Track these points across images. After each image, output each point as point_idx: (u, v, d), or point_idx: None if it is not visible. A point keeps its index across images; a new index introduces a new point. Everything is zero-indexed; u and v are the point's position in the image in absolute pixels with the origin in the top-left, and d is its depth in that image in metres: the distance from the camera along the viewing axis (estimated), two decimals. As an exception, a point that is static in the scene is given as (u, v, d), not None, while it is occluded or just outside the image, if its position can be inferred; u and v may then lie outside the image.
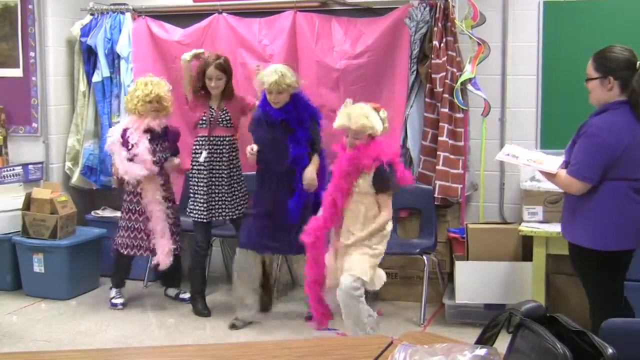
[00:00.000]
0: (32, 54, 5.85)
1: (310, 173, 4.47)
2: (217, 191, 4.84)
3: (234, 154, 4.88)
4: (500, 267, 4.63)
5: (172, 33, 5.65)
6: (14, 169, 5.72)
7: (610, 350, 1.57)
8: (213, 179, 4.83)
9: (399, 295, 5.20)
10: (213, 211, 4.85)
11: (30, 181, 5.78)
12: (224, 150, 4.83)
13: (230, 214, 4.90)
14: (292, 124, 4.48)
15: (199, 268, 5.04)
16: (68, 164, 5.95)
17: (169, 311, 5.10)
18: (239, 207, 4.91)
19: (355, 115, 3.77)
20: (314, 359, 2.15)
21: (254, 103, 4.87)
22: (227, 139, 4.84)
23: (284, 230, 4.48)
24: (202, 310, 4.99)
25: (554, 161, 3.48)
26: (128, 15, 5.74)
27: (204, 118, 4.82)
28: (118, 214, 5.28)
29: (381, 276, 3.99)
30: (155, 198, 4.98)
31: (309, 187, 4.47)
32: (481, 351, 1.69)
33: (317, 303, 4.14)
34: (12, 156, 5.91)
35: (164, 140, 5.02)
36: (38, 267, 5.37)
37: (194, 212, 4.88)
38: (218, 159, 4.83)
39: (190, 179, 4.95)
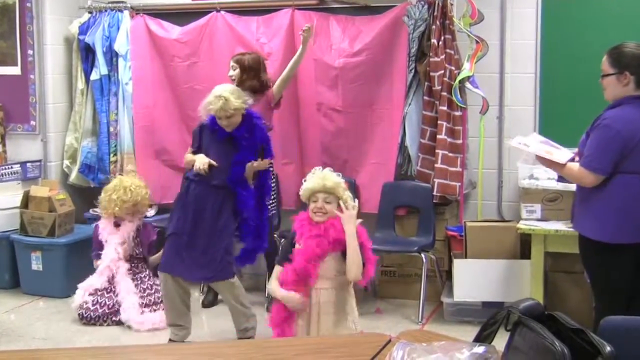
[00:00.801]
0: (30, 52, 5.84)
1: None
2: None
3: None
4: (499, 265, 4.63)
5: (170, 31, 5.64)
6: (12, 167, 5.71)
7: (608, 349, 1.57)
8: None
9: (397, 293, 5.20)
10: None
11: (29, 179, 5.77)
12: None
13: None
14: (241, 142, 4.16)
15: None
16: (66, 162, 5.94)
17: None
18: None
19: (328, 175, 3.45)
20: (312, 357, 2.15)
21: None
22: None
23: (208, 252, 4.17)
24: (208, 303, 5.09)
25: (565, 154, 3.49)
26: (126, 13, 5.73)
27: None
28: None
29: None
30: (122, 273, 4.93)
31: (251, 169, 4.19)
32: (479, 349, 1.69)
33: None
34: (10, 154, 5.90)
35: (136, 243, 4.98)
36: (36, 265, 5.37)
37: None
38: None
39: None
